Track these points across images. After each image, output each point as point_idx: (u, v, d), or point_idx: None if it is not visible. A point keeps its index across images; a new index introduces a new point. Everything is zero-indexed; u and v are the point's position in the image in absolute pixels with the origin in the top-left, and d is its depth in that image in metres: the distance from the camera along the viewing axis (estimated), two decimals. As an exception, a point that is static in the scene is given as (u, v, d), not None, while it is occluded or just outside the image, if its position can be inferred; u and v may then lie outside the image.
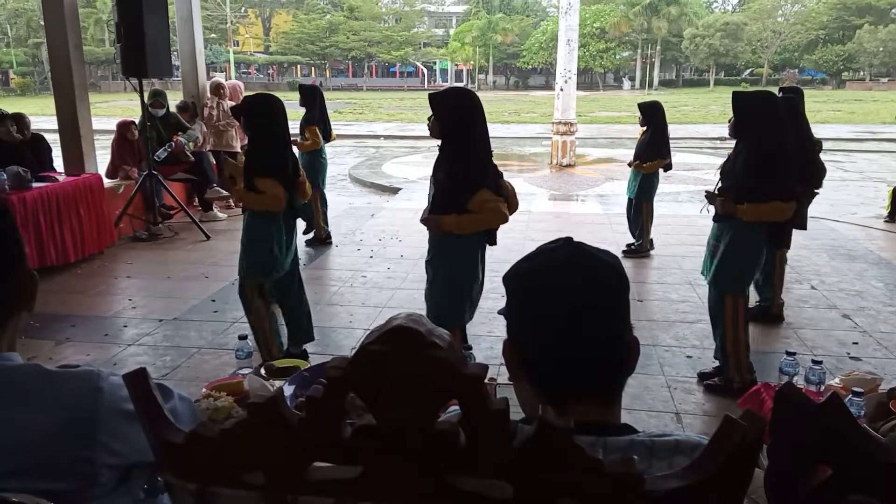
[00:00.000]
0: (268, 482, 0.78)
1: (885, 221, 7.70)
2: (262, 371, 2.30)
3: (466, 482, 0.75)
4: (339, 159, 15.01)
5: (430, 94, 3.17)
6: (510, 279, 0.98)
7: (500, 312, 0.98)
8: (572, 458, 0.72)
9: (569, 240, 0.96)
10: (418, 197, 9.55)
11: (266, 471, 0.78)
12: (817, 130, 4.89)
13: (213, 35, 49.60)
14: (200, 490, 0.80)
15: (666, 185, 6.32)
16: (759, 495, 1.44)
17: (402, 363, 0.73)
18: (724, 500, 0.78)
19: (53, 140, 6.48)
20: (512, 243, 4.48)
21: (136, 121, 7.09)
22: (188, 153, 7.25)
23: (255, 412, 0.77)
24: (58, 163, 6.47)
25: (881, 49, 45.45)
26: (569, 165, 12.53)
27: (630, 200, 6.26)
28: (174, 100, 7.88)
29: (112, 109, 27.10)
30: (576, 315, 0.89)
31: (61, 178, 5.91)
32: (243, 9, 57.18)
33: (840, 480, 0.84)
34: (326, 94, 6.63)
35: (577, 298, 0.89)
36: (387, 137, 20.29)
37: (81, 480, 1.08)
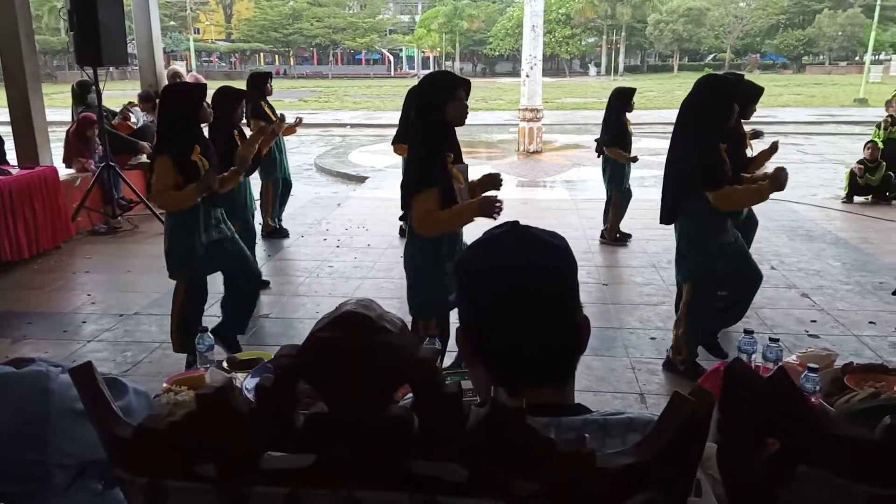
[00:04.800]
0: (220, 474, 0.77)
1: (843, 202, 7.90)
2: (225, 364, 2.27)
3: (421, 466, 0.74)
4: (304, 148, 14.85)
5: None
6: (458, 266, 0.98)
7: (451, 299, 0.98)
8: (525, 438, 0.72)
9: (515, 224, 0.96)
10: (386, 185, 9.50)
11: (218, 462, 0.77)
12: (778, 114, 4.97)
13: (172, 23, 48.51)
14: (151, 484, 0.79)
15: (632, 170, 6.33)
16: (717, 470, 1.47)
17: (352, 349, 0.72)
18: (675, 475, 0.79)
19: (6, 133, 6.28)
20: (479, 230, 4.48)
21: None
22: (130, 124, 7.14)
23: (205, 403, 0.76)
24: (11, 156, 6.28)
25: (840, 33, 46.44)
26: (536, 152, 12.58)
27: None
28: (134, 89, 7.69)
29: (68, 100, 26.35)
30: (524, 299, 0.89)
31: (14, 171, 5.73)
32: (204, -5, 55.99)
33: (788, 453, 0.86)
34: (290, 83, 6.51)
35: (525, 282, 0.89)
36: (353, 126, 20.11)
37: (33, 482, 1.06)
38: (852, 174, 7.87)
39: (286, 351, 0.73)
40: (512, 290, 0.89)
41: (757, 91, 4.19)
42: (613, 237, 6.16)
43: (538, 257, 0.91)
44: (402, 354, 0.72)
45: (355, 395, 0.73)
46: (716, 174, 3.24)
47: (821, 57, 51.86)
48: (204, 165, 3.38)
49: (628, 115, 5.96)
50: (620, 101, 5.88)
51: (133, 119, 7.24)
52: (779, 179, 3.22)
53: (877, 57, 41.23)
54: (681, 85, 34.13)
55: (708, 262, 3.42)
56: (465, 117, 2.97)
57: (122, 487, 0.84)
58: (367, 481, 0.75)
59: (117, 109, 7.51)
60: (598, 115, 6.30)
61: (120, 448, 0.79)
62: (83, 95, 6.82)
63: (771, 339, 2.21)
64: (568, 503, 0.73)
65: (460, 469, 0.74)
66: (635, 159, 5.98)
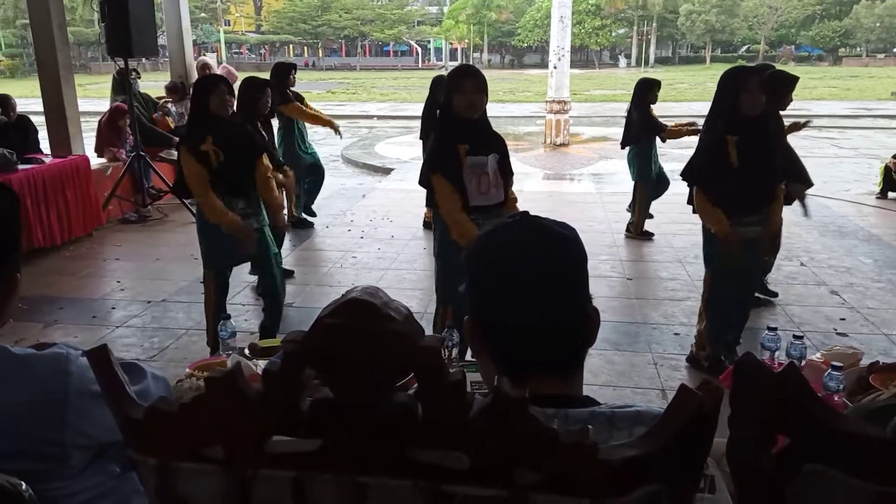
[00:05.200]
0: (228, 456, 0.79)
1: (877, 198, 7.71)
2: (247, 351, 2.30)
3: (424, 454, 0.75)
4: (331, 140, 14.91)
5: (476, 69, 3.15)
6: (469, 257, 0.98)
7: (460, 290, 0.98)
8: (527, 428, 0.72)
9: (525, 214, 0.96)
10: (411, 177, 9.48)
11: (226, 445, 0.79)
12: (813, 107, 4.88)
13: (203, 14, 49.05)
14: (161, 465, 0.81)
15: (663, 162, 6.25)
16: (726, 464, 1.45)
17: (357, 336, 0.73)
18: (681, 469, 0.79)
19: (40, 122, 6.42)
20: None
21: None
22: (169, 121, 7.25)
23: (214, 387, 0.77)
24: (44, 145, 6.42)
25: (878, 25, 45.19)
26: (563, 144, 12.48)
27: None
28: (163, 80, 7.81)
29: (103, 91, 26.82)
30: (532, 290, 0.89)
31: (48, 160, 5.86)
32: (234, -13, 56.48)
33: (797, 449, 0.85)
34: (319, 74, 6.55)
35: (533, 273, 0.89)
36: (380, 118, 20.15)
37: (51, 462, 1.09)
38: (887, 169, 7.67)
39: (293, 336, 0.74)
40: (518, 280, 0.89)
41: (789, 80, 4.08)
42: (639, 231, 6.09)
43: (545, 248, 0.91)
44: (406, 342, 0.72)
45: (360, 382, 0.73)
46: (698, 174, 3.27)
47: (858, 49, 50.53)
48: (217, 156, 3.35)
49: (652, 106, 5.89)
50: (643, 92, 5.84)
51: (172, 116, 7.35)
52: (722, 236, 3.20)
53: (917, 49, 40.05)
54: (713, 77, 33.49)
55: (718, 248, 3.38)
56: (472, 110, 2.98)
57: (136, 467, 0.87)
58: (372, 467, 0.76)
59: (169, 103, 7.64)
60: (626, 108, 6.22)
61: (132, 429, 0.81)
62: (123, 83, 6.93)
63: (795, 337, 2.18)
64: (570, 494, 0.73)
65: (463, 457, 0.74)
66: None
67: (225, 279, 3.71)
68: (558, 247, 0.92)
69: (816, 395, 0.81)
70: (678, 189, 7.81)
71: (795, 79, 4.14)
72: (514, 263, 0.90)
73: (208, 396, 0.77)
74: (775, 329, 2.23)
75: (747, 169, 3.12)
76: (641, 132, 5.84)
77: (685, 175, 3.39)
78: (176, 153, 6.87)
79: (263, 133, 4.48)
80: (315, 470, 0.77)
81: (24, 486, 1.02)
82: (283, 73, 5.84)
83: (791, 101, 4.14)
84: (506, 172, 3.12)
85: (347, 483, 0.77)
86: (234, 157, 3.40)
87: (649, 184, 6.02)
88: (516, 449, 0.73)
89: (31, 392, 1.04)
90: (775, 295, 4.46)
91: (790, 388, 0.81)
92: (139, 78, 7.23)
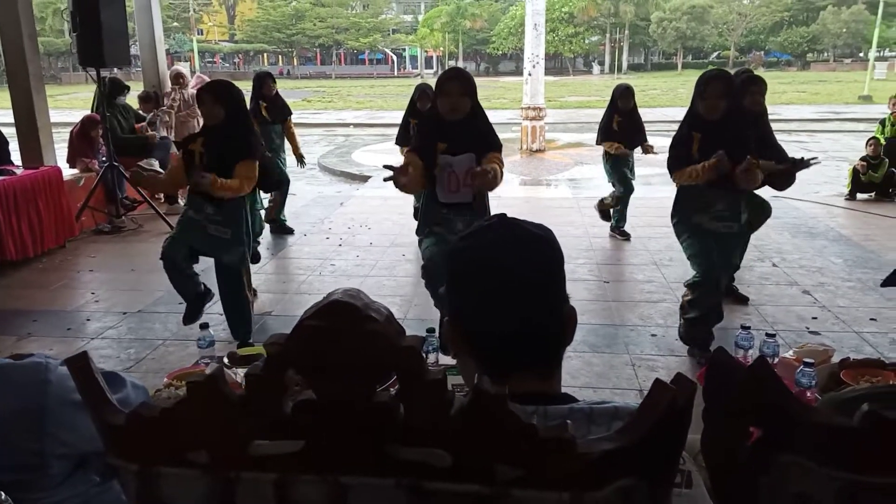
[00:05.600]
0: (211, 460, 0.79)
1: (846, 199, 7.89)
2: (226, 360, 2.29)
3: (407, 452, 0.76)
4: (307, 148, 14.85)
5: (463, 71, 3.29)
6: (448, 258, 1.00)
7: (440, 291, 1.00)
8: (507, 424, 0.73)
9: (502, 216, 0.98)
10: (389, 185, 9.50)
11: (209, 448, 0.79)
12: (782, 111, 4.99)
13: (175, 24, 48.62)
14: (143, 470, 0.81)
15: (636, 168, 6.36)
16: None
17: (339, 337, 0.73)
18: (656, 463, 0.81)
19: (10, 133, 6.31)
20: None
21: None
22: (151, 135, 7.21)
23: (196, 391, 0.77)
24: (15, 156, 6.31)
25: (844, 30, 46.26)
26: (539, 150, 12.58)
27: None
28: (135, 90, 7.74)
29: (73, 101, 26.49)
30: (510, 290, 0.90)
31: (19, 171, 5.77)
32: (207, -4, 56.08)
33: (770, 441, 0.87)
34: (294, 83, 6.65)
35: (511, 273, 0.91)
36: (356, 126, 20.14)
37: (31, 471, 1.08)
38: (855, 171, 7.85)
39: (275, 339, 0.75)
40: (496, 281, 0.91)
41: (745, 81, 4.15)
42: (602, 209, 6.28)
43: (523, 248, 0.93)
44: (387, 342, 0.73)
45: (342, 382, 0.74)
46: (671, 158, 3.54)
47: (825, 54, 51.69)
48: (201, 158, 3.50)
49: (620, 108, 6.00)
50: (612, 98, 6.08)
51: (155, 130, 7.31)
52: (718, 166, 3.30)
53: (881, 54, 41.05)
54: (684, 83, 34.04)
55: (680, 235, 3.62)
56: (454, 112, 3.09)
57: (116, 474, 0.86)
58: (354, 467, 0.77)
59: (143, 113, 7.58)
60: (601, 114, 6.33)
61: (113, 435, 0.81)
62: (113, 95, 6.85)
63: (768, 335, 2.22)
64: (550, 488, 0.75)
65: (445, 454, 0.75)
66: (624, 149, 6.00)
67: (172, 262, 3.69)
68: (535, 247, 0.93)
69: (787, 389, 0.84)
70: (652, 193, 7.96)
71: (752, 79, 4.22)
72: (492, 264, 0.91)
73: (190, 400, 0.77)
74: (748, 328, 2.28)
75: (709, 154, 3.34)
76: (607, 135, 6.07)
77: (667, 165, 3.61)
78: (156, 163, 6.87)
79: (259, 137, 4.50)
80: (298, 471, 0.78)
81: (3, 496, 1.02)
82: (257, 83, 5.94)
83: (757, 102, 4.19)
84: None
85: (330, 483, 0.78)
86: (215, 164, 3.45)
87: (626, 185, 6.19)
88: (497, 445, 0.74)
89: (9, 401, 1.03)
90: (746, 300, 4.52)
91: (761, 381, 0.83)
92: (128, 91, 7.19)
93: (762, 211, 4.44)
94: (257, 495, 0.79)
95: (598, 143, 6.16)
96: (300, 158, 6.63)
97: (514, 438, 0.74)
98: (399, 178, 3.05)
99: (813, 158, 3.98)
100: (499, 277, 0.91)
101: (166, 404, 0.79)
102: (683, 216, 3.58)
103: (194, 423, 0.78)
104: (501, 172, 3.14)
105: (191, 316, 3.86)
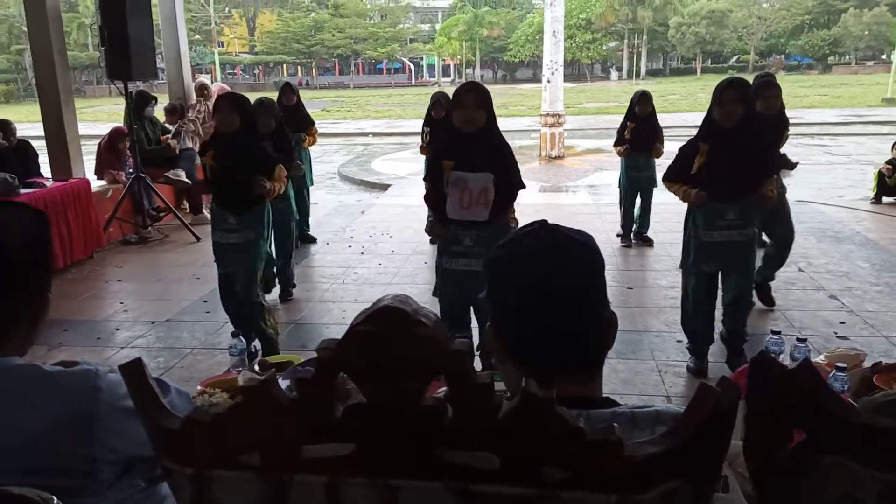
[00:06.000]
0: (263, 463, 0.81)
1: (872, 203, 7.78)
2: (256, 367, 2.32)
3: (455, 455, 0.77)
4: (327, 157, 15.01)
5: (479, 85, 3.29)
6: (489, 265, 1.01)
7: (480, 297, 1.01)
8: (555, 427, 0.74)
9: (543, 223, 0.99)
10: (408, 192, 9.56)
11: (261, 452, 0.81)
12: (804, 115, 4.96)
13: (197, 36, 49.30)
14: (198, 473, 0.83)
15: (657, 173, 6.36)
16: (745, 468, 1.48)
17: (389, 342, 0.75)
18: (701, 465, 0.81)
19: (39, 146, 6.45)
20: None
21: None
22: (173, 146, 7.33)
23: (250, 395, 0.80)
24: (45, 169, 6.45)
25: (866, 32, 45.66)
26: (558, 157, 12.56)
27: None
28: (160, 103, 7.87)
29: (97, 114, 26.94)
30: (551, 296, 0.92)
31: (49, 183, 5.89)
32: (227, 9, 56.82)
33: (814, 443, 0.87)
34: (313, 93, 6.72)
35: (552, 280, 0.92)
36: (375, 135, 20.27)
37: (81, 477, 1.10)
38: (881, 174, 7.74)
39: (326, 344, 0.77)
40: (538, 288, 0.92)
41: (759, 86, 4.12)
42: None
43: (565, 254, 0.94)
44: (436, 347, 0.75)
45: (392, 387, 0.76)
46: (670, 165, 3.60)
47: (847, 57, 51.03)
48: (213, 171, 3.62)
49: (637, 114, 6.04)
50: (630, 104, 6.16)
51: (179, 141, 7.46)
52: (696, 202, 3.42)
53: (905, 55, 40.43)
54: (703, 88, 33.82)
55: (685, 249, 3.64)
56: (469, 125, 3.06)
57: (170, 478, 0.89)
58: (403, 470, 0.79)
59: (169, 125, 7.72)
60: (620, 120, 6.35)
61: (168, 439, 0.84)
62: (141, 107, 6.99)
63: (798, 340, 2.21)
64: (597, 490, 0.76)
65: (493, 457, 0.77)
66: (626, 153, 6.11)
67: (221, 278, 3.80)
68: (577, 253, 0.95)
69: (831, 390, 0.84)
70: (674, 199, 7.89)
71: (763, 83, 4.20)
72: (533, 270, 0.93)
73: (244, 405, 0.79)
74: (779, 332, 2.26)
75: (715, 172, 3.35)
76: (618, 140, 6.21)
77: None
78: (183, 173, 7.00)
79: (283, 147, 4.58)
80: (348, 474, 0.80)
81: (55, 500, 1.04)
82: (279, 92, 6.05)
83: (774, 106, 4.15)
84: (503, 191, 3.10)
85: (380, 486, 0.79)
86: (226, 174, 3.54)
87: (624, 190, 6.29)
88: (545, 448, 0.75)
89: (61, 408, 1.06)
90: (772, 304, 4.50)
91: (805, 383, 0.84)
92: (156, 103, 7.33)
93: (792, 228, 4.52)
94: (308, 497, 0.81)
95: (615, 144, 6.31)
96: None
97: (562, 441, 0.75)
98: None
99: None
100: (540, 283, 0.92)
101: (219, 409, 0.81)
102: (694, 232, 3.55)
103: (247, 426, 0.80)
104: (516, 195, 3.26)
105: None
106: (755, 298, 4.31)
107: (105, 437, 1.09)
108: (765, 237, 4.57)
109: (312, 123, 6.36)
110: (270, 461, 0.81)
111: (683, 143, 3.61)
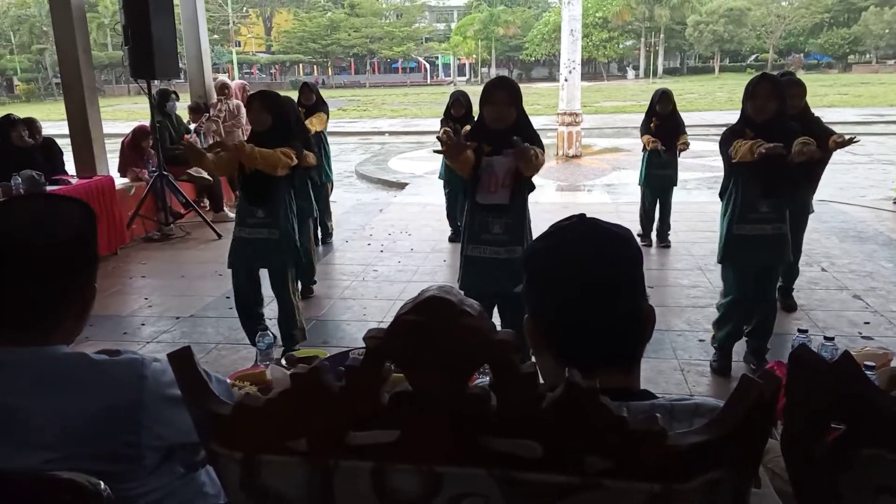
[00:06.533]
0: (311, 448, 0.83)
1: (895, 203, 7.69)
2: (283, 361, 2.35)
3: (498, 443, 0.79)
4: (344, 156, 15.08)
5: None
6: (528, 258, 1.03)
7: (516, 291, 1.03)
8: (598, 417, 0.75)
9: (582, 216, 1.00)
10: (426, 192, 9.60)
11: (309, 437, 0.83)
12: (824, 114, 4.93)
13: (214, 36, 49.70)
14: (247, 458, 0.85)
15: (680, 172, 6.34)
16: (775, 464, 1.48)
17: (435, 331, 0.77)
18: (742, 456, 0.82)
19: (63, 144, 6.55)
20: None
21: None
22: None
23: (299, 382, 0.82)
24: (69, 166, 6.55)
25: (887, 31, 45.06)
26: (575, 156, 12.53)
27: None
28: (183, 102, 7.96)
29: (116, 113, 27.27)
30: (592, 288, 0.93)
31: (74, 180, 5.99)
32: (244, 9, 57.25)
33: (853, 436, 0.88)
34: (329, 92, 6.71)
35: (592, 272, 0.93)
36: (391, 133, 20.32)
37: (127, 462, 1.13)
38: (905, 174, 7.65)
39: (374, 333, 0.79)
40: (577, 279, 0.93)
41: (786, 84, 4.08)
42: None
43: (604, 247, 0.95)
44: (481, 336, 0.76)
45: (438, 375, 0.78)
46: (724, 136, 3.48)
47: (867, 55, 50.39)
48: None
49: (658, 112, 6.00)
50: (651, 102, 6.11)
51: (200, 140, 7.56)
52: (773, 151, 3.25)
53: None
54: (722, 86, 33.55)
55: (721, 240, 3.55)
56: (500, 122, 3.07)
57: (216, 462, 0.91)
58: (448, 457, 0.80)
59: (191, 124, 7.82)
60: (637, 119, 6.33)
61: (219, 425, 0.86)
62: (162, 104, 7.09)
63: (826, 338, 2.20)
64: (640, 479, 0.77)
65: (536, 445, 0.78)
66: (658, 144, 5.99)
67: (239, 281, 3.77)
68: (616, 245, 0.96)
69: (871, 382, 0.84)
70: (696, 198, 7.87)
71: (789, 82, 4.15)
72: (576, 261, 0.94)
73: (293, 391, 0.81)
74: (806, 331, 2.26)
75: (758, 163, 3.27)
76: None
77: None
78: (204, 172, 7.06)
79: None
80: (394, 460, 0.81)
81: (102, 485, 1.07)
82: (299, 92, 6.05)
83: (797, 105, 4.10)
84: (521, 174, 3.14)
85: (425, 472, 0.81)
86: (256, 170, 3.53)
87: (643, 187, 6.24)
88: (588, 437, 0.76)
89: (109, 396, 1.09)
90: (794, 308, 4.46)
91: (846, 376, 0.84)
92: (178, 100, 7.42)
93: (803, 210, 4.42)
94: (355, 482, 0.83)
95: (641, 136, 6.19)
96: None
97: (605, 431, 0.76)
98: (452, 144, 3.03)
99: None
100: (580, 274, 0.93)
101: (271, 395, 0.83)
102: (728, 229, 3.51)
103: (296, 412, 0.82)
104: (543, 159, 3.14)
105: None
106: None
107: (151, 424, 1.11)
108: None
109: (323, 112, 6.24)
110: (317, 447, 0.83)
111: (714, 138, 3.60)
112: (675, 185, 6.18)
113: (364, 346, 0.83)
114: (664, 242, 6.15)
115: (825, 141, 3.99)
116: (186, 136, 7.42)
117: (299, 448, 0.83)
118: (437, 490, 0.82)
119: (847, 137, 3.96)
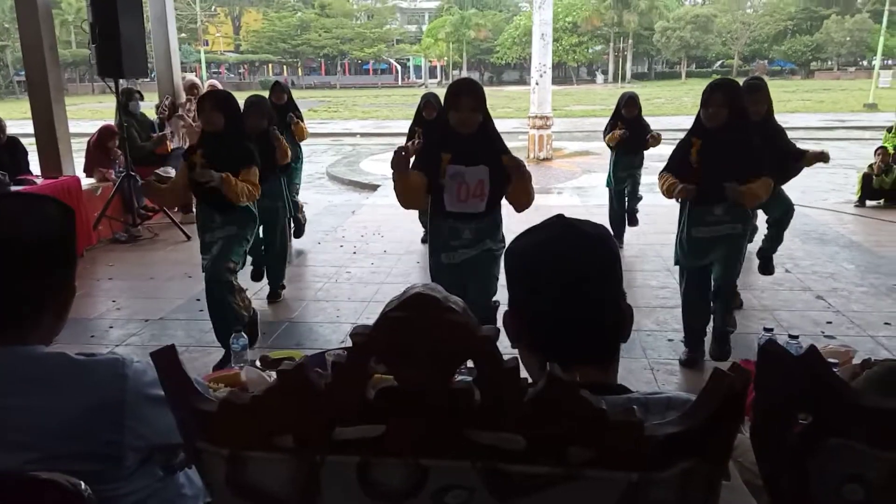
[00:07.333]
0: (297, 444, 0.84)
1: (856, 206, 7.93)
2: (258, 362, 2.34)
3: (482, 436, 0.81)
4: (315, 158, 14.98)
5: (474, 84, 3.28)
6: (508, 256, 1.05)
7: (493, 302, 1.05)
8: (579, 409, 0.78)
9: (560, 216, 1.03)
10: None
11: (295, 433, 0.84)
12: (788, 120, 5.06)
13: (182, 35, 48.91)
14: (233, 455, 0.86)
15: (644, 176, 6.46)
16: (745, 458, 1.52)
17: (420, 327, 0.78)
18: (714, 446, 0.86)
19: (26, 143, 6.41)
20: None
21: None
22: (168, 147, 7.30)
23: (285, 378, 0.83)
24: (34, 166, 6.41)
25: (848, 38, 46.34)
26: (546, 159, 12.65)
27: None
28: (149, 101, 7.84)
29: (81, 112, 26.68)
30: (570, 285, 0.96)
31: (39, 180, 5.86)
32: (213, 7, 56.51)
33: (820, 426, 0.92)
34: (299, 93, 6.64)
35: (571, 270, 0.96)
36: (363, 135, 20.25)
37: (108, 462, 1.13)
38: (865, 177, 7.89)
39: (360, 330, 0.80)
40: (558, 274, 0.96)
41: (746, 90, 4.16)
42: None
43: (582, 244, 0.98)
44: (465, 332, 0.78)
45: (423, 370, 0.79)
46: (667, 162, 3.76)
47: (829, 62, 51.74)
48: (200, 166, 3.52)
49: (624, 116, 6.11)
50: (617, 107, 6.23)
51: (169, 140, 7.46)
52: (685, 194, 3.55)
53: (886, 62, 41.09)
54: (688, 92, 34.11)
55: (676, 246, 3.80)
56: (465, 127, 3.09)
57: (201, 460, 0.91)
58: (433, 450, 0.82)
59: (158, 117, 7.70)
60: (606, 122, 6.43)
61: (204, 421, 0.86)
62: (126, 103, 6.96)
63: (791, 337, 2.27)
64: (620, 468, 0.80)
65: (519, 438, 0.80)
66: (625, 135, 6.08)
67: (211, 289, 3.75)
68: (592, 243, 0.99)
69: (836, 374, 0.88)
70: (664, 201, 7.99)
71: (752, 86, 4.28)
72: (554, 257, 0.97)
73: (279, 388, 0.82)
74: (771, 329, 2.33)
75: (706, 168, 3.45)
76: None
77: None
78: (173, 171, 6.95)
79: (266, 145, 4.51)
80: (380, 454, 0.83)
81: (83, 485, 1.07)
82: (271, 92, 6.00)
83: (757, 112, 4.16)
84: (498, 184, 3.17)
85: (411, 465, 0.83)
86: (220, 168, 3.51)
87: (610, 188, 6.36)
88: (569, 429, 0.79)
89: (90, 395, 1.08)
90: (771, 272, 4.79)
91: (813, 368, 0.88)
92: (142, 100, 7.30)
93: (786, 210, 4.66)
94: (341, 477, 0.84)
95: (604, 138, 6.28)
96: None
97: (586, 422, 0.79)
98: (400, 167, 3.13)
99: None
100: (562, 271, 0.96)
101: (256, 392, 0.84)
102: (685, 229, 3.68)
103: (282, 409, 0.83)
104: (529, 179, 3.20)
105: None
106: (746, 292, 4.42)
107: (133, 423, 1.11)
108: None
109: (293, 115, 6.20)
110: (304, 443, 0.84)
111: (675, 142, 3.72)
112: (639, 184, 6.35)
113: (337, 348, 0.86)
114: (633, 222, 6.36)
115: (782, 152, 4.19)
116: (153, 134, 7.30)
117: (286, 444, 0.84)
118: (422, 483, 0.83)
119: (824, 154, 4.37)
